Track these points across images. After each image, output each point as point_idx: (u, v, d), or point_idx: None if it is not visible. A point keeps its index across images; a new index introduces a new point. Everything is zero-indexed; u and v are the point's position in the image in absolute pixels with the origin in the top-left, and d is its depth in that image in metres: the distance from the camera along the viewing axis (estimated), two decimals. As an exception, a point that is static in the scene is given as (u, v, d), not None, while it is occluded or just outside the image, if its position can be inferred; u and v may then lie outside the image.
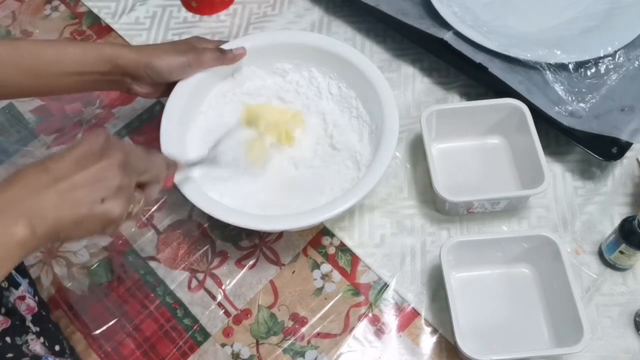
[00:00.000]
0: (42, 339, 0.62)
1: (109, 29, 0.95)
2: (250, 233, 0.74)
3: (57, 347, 0.64)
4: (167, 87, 0.71)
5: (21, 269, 0.69)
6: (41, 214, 0.46)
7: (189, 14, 0.95)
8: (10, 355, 0.56)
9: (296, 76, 0.77)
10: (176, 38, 0.92)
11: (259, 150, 0.71)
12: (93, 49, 0.67)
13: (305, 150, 0.74)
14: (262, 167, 0.71)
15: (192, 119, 0.73)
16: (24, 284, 0.65)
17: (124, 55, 0.66)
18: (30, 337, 0.60)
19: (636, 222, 0.63)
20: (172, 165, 0.60)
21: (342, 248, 0.73)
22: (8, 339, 0.57)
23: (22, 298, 0.63)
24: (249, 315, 0.70)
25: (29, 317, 0.62)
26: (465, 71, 0.81)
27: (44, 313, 0.65)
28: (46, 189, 0.46)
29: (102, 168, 0.49)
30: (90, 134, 0.50)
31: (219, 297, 0.71)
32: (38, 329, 0.63)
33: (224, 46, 0.74)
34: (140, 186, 0.54)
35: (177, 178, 0.61)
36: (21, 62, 0.63)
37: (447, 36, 0.80)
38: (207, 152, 0.67)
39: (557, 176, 0.76)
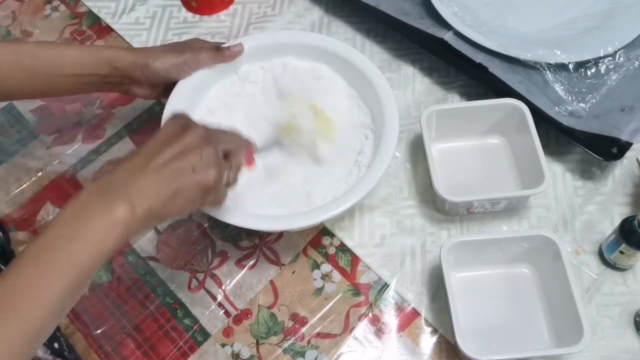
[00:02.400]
0: None
1: (109, 29, 0.95)
2: (250, 233, 0.74)
3: (55, 345, 0.64)
4: (166, 88, 0.71)
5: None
6: (139, 193, 0.49)
7: (189, 14, 0.95)
8: None
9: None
10: (176, 38, 0.92)
11: (326, 125, 0.72)
12: (91, 51, 0.68)
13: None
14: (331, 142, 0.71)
15: (193, 118, 0.73)
16: None
17: (121, 58, 0.67)
18: None
19: (636, 222, 0.63)
20: (248, 141, 0.62)
21: (342, 248, 0.73)
22: None
23: None
24: (249, 315, 0.70)
25: None
26: (465, 71, 0.81)
27: None
28: (141, 169, 0.50)
29: (188, 141, 0.53)
30: (169, 117, 0.56)
31: (219, 297, 0.71)
32: None
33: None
34: (226, 156, 0.57)
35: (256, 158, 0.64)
36: (20, 64, 0.63)
37: (447, 36, 0.80)
38: (273, 137, 0.69)
39: (557, 176, 0.76)
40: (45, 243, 0.46)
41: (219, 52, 0.72)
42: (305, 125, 0.70)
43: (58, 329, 0.69)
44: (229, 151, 0.57)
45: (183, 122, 0.55)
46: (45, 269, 0.45)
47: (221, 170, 0.54)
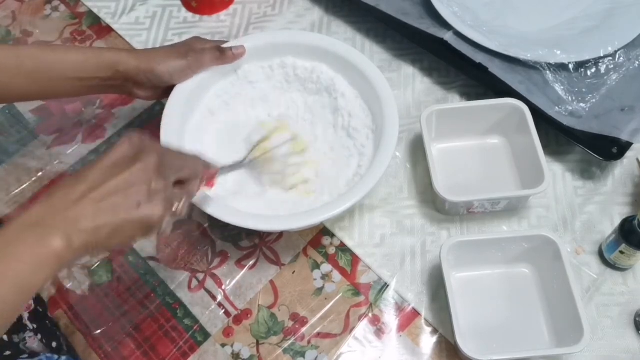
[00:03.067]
0: (39, 336, 0.62)
1: (109, 29, 0.95)
2: (250, 233, 0.74)
3: (54, 344, 0.64)
4: (167, 89, 0.71)
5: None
6: (77, 225, 0.46)
7: (189, 14, 0.95)
8: (8, 353, 0.56)
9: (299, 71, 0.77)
10: (176, 38, 0.92)
11: (299, 175, 0.71)
12: (94, 55, 0.68)
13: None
14: (289, 190, 0.71)
15: (192, 119, 0.73)
16: None
17: (124, 62, 0.67)
18: (27, 334, 0.61)
19: (636, 222, 0.63)
20: (209, 165, 0.59)
21: (342, 248, 0.73)
22: (5, 337, 0.57)
23: None
24: (249, 315, 0.70)
25: (25, 315, 0.63)
26: (465, 71, 0.81)
27: (40, 310, 0.66)
28: (81, 198, 0.46)
29: (136, 172, 0.49)
30: (123, 138, 0.51)
31: (219, 297, 0.71)
32: (35, 326, 0.63)
33: (225, 46, 0.74)
34: (180, 183, 0.54)
35: (217, 181, 0.61)
36: (22, 68, 0.63)
37: (447, 36, 0.80)
38: (243, 157, 0.67)
39: (557, 176, 0.76)
40: None
41: (222, 55, 0.72)
42: (278, 153, 0.69)
43: (58, 328, 0.69)
44: (182, 179, 0.54)
45: (135, 148, 0.50)
46: None
47: (168, 205, 0.51)
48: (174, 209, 0.52)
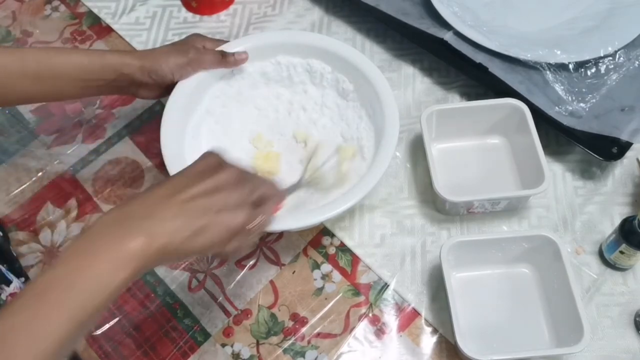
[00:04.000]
0: None
1: (109, 29, 0.95)
2: (250, 233, 0.74)
3: None
4: (169, 87, 0.71)
5: (16, 270, 0.70)
6: (159, 226, 0.46)
7: (189, 14, 0.95)
8: None
9: (300, 74, 0.77)
10: (176, 38, 0.92)
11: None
12: (98, 57, 0.68)
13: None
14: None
15: (193, 119, 0.73)
16: (16, 282, 0.65)
17: (128, 64, 0.67)
18: None
19: (636, 222, 0.63)
20: (282, 192, 0.58)
21: (342, 248, 0.73)
22: None
23: (14, 295, 0.63)
24: (249, 316, 0.70)
25: None
26: (465, 71, 0.81)
27: None
28: (166, 200, 0.47)
29: (221, 178, 0.50)
30: (204, 153, 0.52)
31: (219, 298, 0.71)
32: None
33: (225, 47, 0.74)
34: (258, 202, 0.53)
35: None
36: (26, 71, 0.64)
37: (447, 36, 0.80)
38: (300, 178, 0.67)
39: (557, 176, 0.76)
40: (50, 280, 0.43)
41: (224, 59, 0.72)
42: (328, 172, 0.70)
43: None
44: (263, 197, 0.53)
45: (216, 161, 0.52)
46: (46, 311, 0.41)
47: (251, 215, 0.51)
48: (251, 225, 0.51)
